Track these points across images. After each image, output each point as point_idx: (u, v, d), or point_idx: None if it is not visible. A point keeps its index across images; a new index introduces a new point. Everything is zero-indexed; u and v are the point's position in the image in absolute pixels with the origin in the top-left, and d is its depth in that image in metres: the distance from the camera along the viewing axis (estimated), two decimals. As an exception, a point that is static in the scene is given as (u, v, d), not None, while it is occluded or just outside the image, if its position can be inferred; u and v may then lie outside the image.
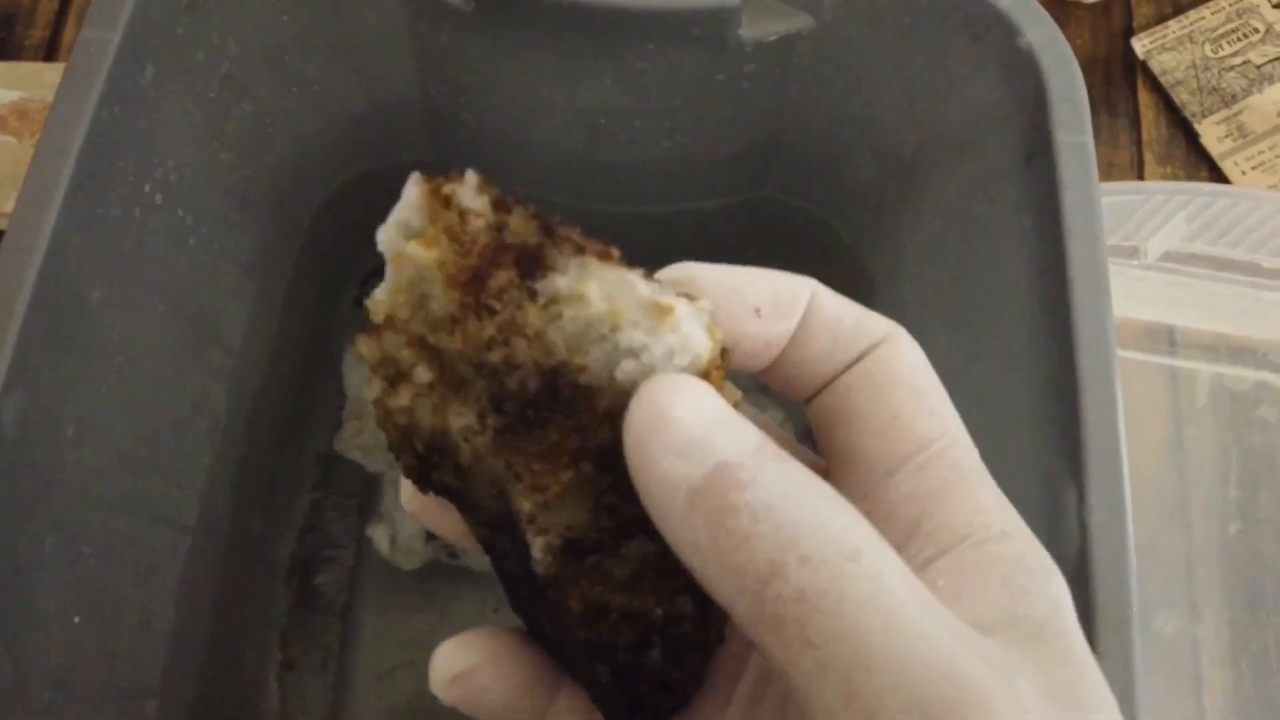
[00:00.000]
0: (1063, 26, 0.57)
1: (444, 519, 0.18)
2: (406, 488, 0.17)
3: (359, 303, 0.50)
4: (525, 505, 0.14)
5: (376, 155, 0.44)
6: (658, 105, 0.38)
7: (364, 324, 0.16)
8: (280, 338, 0.43)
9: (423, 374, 0.15)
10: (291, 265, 0.43)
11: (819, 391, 0.17)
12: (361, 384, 0.46)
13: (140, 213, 0.32)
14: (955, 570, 0.15)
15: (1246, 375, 0.48)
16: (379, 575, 0.45)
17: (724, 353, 0.15)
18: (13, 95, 0.52)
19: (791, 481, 0.13)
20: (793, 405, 0.19)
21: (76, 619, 0.31)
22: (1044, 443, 0.29)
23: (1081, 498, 0.27)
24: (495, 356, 0.14)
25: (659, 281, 0.14)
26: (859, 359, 0.16)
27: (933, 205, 0.37)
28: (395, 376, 0.15)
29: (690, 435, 0.13)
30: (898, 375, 0.16)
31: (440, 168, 0.51)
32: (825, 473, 0.17)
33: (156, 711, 0.35)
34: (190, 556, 0.37)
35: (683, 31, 0.34)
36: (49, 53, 0.55)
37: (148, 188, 0.33)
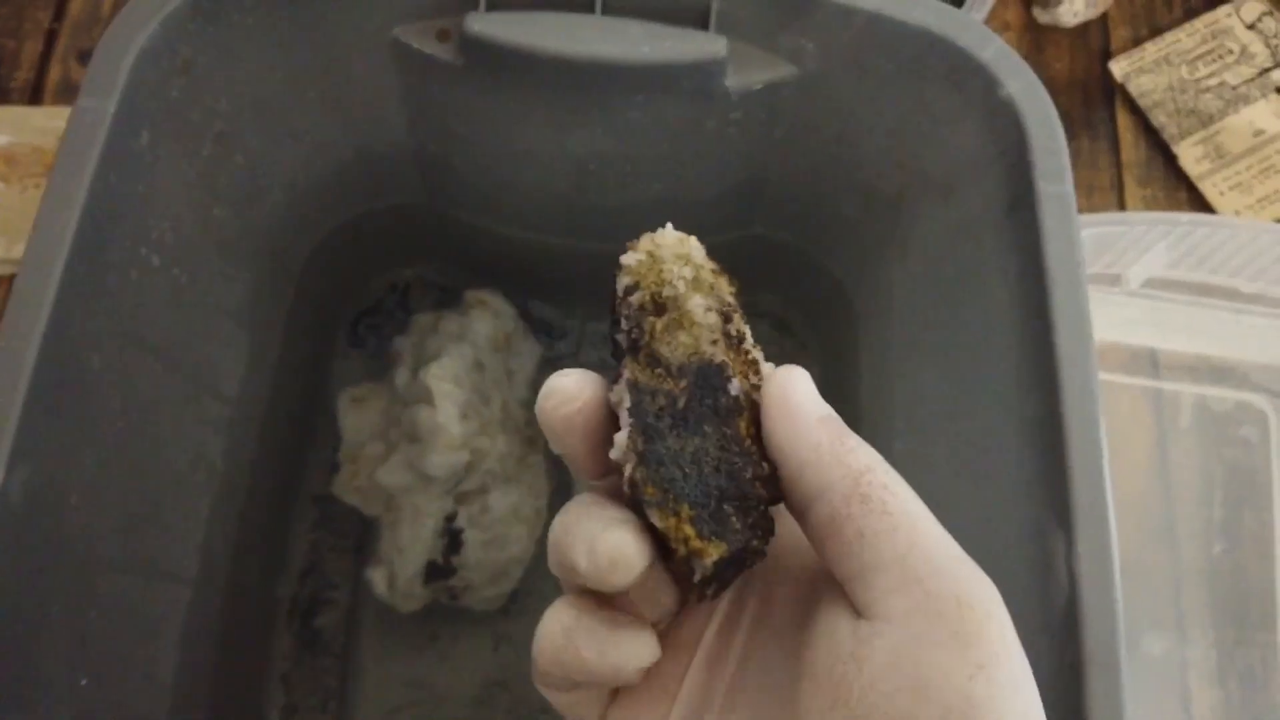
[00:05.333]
0: (1042, 50, 0.58)
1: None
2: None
3: (352, 342, 0.51)
4: (732, 373, 0.22)
5: (366, 199, 0.44)
6: (647, 151, 0.39)
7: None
8: (275, 384, 0.43)
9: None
10: (284, 312, 0.43)
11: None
12: (355, 427, 0.46)
13: (137, 275, 0.33)
14: None
15: (1228, 396, 0.49)
16: (377, 617, 0.45)
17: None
18: (0, 140, 0.52)
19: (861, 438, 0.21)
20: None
21: (84, 681, 0.31)
22: (1033, 493, 0.30)
23: (1070, 547, 0.28)
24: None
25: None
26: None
27: (919, 246, 0.38)
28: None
29: (812, 390, 0.21)
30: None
31: (430, 209, 0.50)
32: None
33: (163, 766, 0.35)
34: (191, 608, 0.37)
35: (671, 83, 0.35)
36: (34, 95, 0.55)
37: (144, 251, 0.33)
